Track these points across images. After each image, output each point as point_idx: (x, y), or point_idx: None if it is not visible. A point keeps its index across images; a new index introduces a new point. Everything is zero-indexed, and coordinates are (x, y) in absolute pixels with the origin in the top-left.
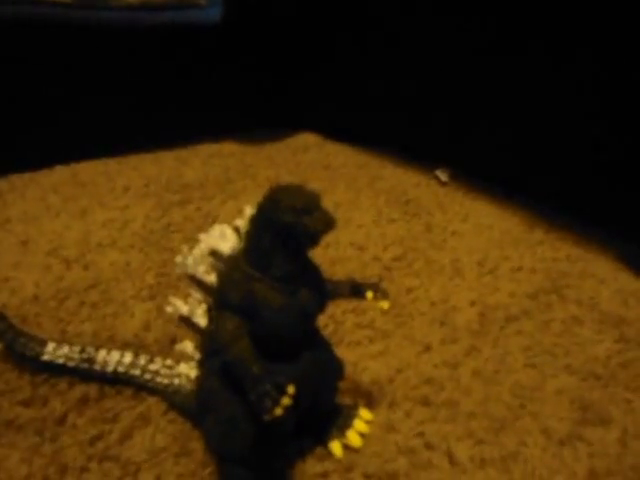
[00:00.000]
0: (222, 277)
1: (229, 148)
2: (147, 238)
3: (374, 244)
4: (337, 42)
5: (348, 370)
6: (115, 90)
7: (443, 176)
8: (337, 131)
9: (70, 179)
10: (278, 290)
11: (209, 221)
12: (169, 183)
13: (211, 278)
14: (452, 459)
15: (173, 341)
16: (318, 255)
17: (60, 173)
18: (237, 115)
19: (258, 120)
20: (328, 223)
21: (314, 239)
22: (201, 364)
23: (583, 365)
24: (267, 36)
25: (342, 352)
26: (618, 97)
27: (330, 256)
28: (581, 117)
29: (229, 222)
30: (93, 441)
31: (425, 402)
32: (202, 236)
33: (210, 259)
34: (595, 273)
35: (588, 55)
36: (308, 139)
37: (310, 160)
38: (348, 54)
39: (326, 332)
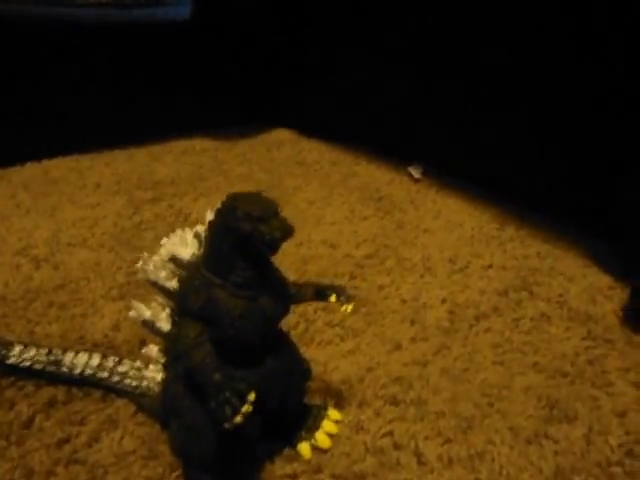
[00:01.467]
0: (183, 283)
1: (202, 145)
2: (118, 236)
3: (346, 242)
4: (311, 39)
5: (318, 370)
6: (86, 86)
7: (416, 173)
8: (311, 127)
9: (41, 176)
10: (239, 296)
11: (181, 219)
12: (141, 180)
13: (172, 284)
14: (420, 458)
15: (143, 342)
16: (290, 253)
17: (31, 170)
18: (210, 112)
19: (232, 117)
20: (285, 231)
21: (271, 247)
22: (166, 368)
23: (551, 362)
24: (239, 33)
25: (313, 351)
26: (588, 100)
27: (302, 254)
28: (552, 118)
29: (201, 220)
30: (60, 444)
31: (394, 401)
32: (163, 241)
33: (171, 265)
34: (564, 270)
35: (560, 57)
36: (282, 135)
37: (284, 157)
38: (322, 51)
39: (297, 331)
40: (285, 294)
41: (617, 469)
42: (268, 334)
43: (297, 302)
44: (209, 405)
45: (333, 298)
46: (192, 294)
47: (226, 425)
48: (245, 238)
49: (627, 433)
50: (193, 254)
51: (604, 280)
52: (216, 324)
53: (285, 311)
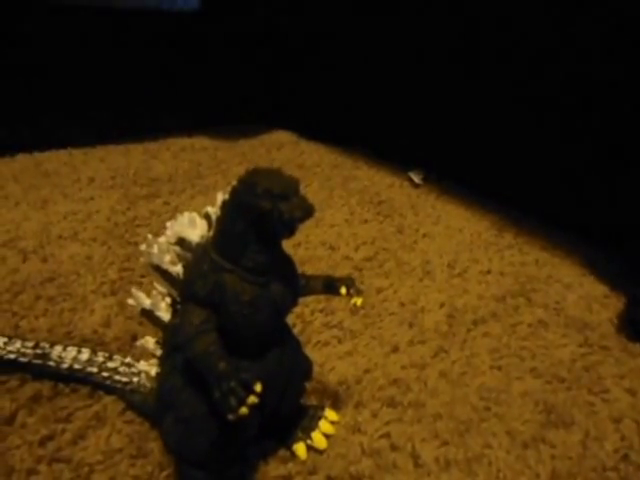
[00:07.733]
0: (189, 267)
1: (201, 143)
2: (111, 231)
3: (345, 244)
4: (315, 42)
5: (315, 370)
6: (84, 78)
7: (416, 178)
8: (312, 130)
9: (32, 168)
10: (249, 282)
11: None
12: (137, 176)
13: (177, 269)
14: (417, 461)
15: (134, 338)
16: (289, 254)
17: (22, 162)
18: (211, 110)
19: (233, 116)
20: (306, 210)
21: (290, 227)
22: (162, 361)
23: (548, 368)
24: (245, 31)
25: (310, 352)
26: (586, 105)
27: (300, 255)
28: (551, 125)
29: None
30: (43, 441)
31: (391, 403)
32: (169, 223)
33: (177, 248)
34: (561, 278)
35: (555, 62)
36: (282, 137)
37: (284, 158)
38: (325, 54)
39: (294, 332)
40: (295, 283)
41: (612, 474)
42: (276, 324)
43: (306, 294)
44: (213, 395)
45: (343, 290)
46: (199, 279)
47: (230, 416)
48: (262, 216)
49: (622, 439)
50: (202, 236)
51: (600, 289)
52: (223, 311)
53: (295, 301)
